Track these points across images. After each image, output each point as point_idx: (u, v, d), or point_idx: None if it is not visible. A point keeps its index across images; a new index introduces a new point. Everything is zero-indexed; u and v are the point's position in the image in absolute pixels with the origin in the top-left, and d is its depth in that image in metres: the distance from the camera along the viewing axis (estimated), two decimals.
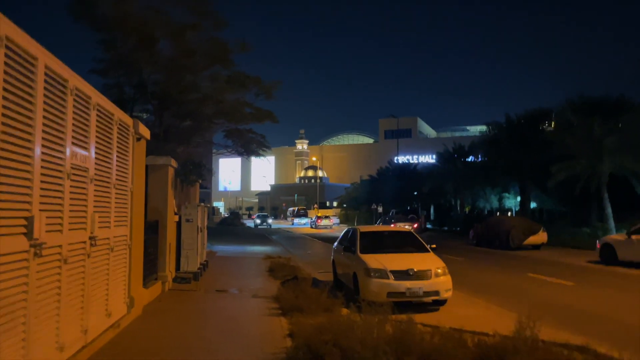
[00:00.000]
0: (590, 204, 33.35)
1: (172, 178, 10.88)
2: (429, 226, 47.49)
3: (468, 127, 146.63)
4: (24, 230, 3.92)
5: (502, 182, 41.74)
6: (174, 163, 10.71)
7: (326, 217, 58.17)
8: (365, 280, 9.07)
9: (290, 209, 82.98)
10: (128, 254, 7.30)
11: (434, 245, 10.36)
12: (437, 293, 8.93)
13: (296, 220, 68.10)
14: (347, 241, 11.04)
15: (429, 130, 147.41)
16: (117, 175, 6.52)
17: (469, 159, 46.58)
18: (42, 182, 4.23)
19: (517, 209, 48.68)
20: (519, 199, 46.60)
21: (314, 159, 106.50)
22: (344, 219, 68.73)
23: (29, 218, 3.96)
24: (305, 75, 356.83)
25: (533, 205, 46.33)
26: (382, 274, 8.97)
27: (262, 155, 13.48)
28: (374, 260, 9.30)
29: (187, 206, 12.08)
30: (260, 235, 37.79)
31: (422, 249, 10.11)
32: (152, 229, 10.08)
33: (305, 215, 70.07)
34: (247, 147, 13.10)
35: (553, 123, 33.35)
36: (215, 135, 13.87)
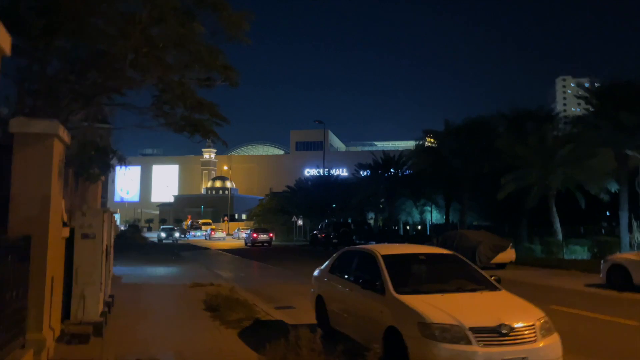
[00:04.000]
0: (520, 219, 32.30)
1: (60, 163, 6.18)
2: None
3: (376, 143, 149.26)
4: None
5: (432, 195, 40.01)
6: (64, 135, 6.03)
7: (220, 229, 67.46)
8: (424, 347, 5.10)
9: (185, 222, 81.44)
10: None
11: (494, 277, 6.64)
12: None
13: (191, 233, 66.98)
14: (358, 271, 6.99)
15: (339, 144, 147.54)
16: None
17: (391, 171, 44.61)
18: None
19: (431, 223, 47.69)
20: (434, 213, 45.50)
21: (225, 167, 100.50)
22: None
23: None
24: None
25: (436, 218, 45.52)
26: (455, 334, 5.06)
27: (214, 139, 8.43)
28: (431, 308, 5.38)
29: (85, 212, 7.33)
30: (170, 252, 32.20)
31: (486, 284, 6.35)
32: (18, 253, 5.35)
33: (199, 228, 71.18)
34: (192, 120, 8.06)
35: (494, 132, 31.74)
36: (133, 97, 8.68)
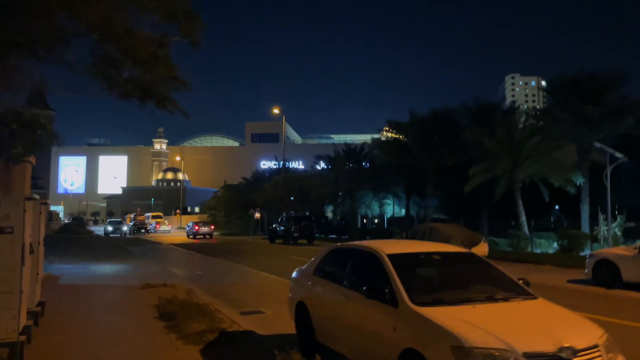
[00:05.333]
0: (480, 212, 32.05)
1: None
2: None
3: (332, 136, 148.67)
4: None
5: (393, 187, 39.32)
6: None
7: (166, 222, 67.37)
8: None
9: (129, 216, 78.93)
10: None
11: (522, 280, 5.42)
12: None
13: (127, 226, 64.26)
14: (355, 274, 5.64)
15: (295, 136, 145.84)
16: None
17: (352, 164, 43.63)
18: None
19: (389, 216, 47.21)
20: (391, 207, 44.88)
21: (177, 158, 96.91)
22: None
23: None
24: None
25: (396, 211, 45.08)
26: None
27: (171, 108, 6.54)
28: (467, 326, 4.08)
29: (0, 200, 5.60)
30: (117, 247, 29.89)
31: (517, 290, 5.11)
32: None
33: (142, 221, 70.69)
34: (143, 83, 6.20)
35: (458, 124, 31.19)
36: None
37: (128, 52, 5.40)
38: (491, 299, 4.79)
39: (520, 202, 25.74)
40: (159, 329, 7.55)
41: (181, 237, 46.35)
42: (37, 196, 6.27)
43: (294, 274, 7.35)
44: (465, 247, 18.52)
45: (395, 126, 33.36)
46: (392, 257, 5.23)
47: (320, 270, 6.47)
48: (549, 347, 3.89)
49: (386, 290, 4.83)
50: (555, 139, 25.31)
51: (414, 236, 21.14)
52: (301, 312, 6.59)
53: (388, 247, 5.63)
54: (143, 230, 53.05)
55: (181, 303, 8.98)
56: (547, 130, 25.96)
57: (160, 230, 63.67)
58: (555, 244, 24.14)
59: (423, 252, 5.67)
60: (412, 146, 30.57)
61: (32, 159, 8.51)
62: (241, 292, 12.52)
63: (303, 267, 7.14)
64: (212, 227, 46.37)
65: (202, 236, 43.25)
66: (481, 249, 18.93)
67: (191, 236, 43.52)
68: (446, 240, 18.84)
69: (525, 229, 25.25)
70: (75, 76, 5.73)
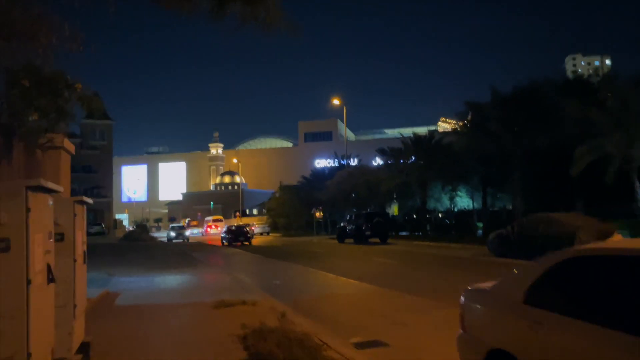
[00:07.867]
0: (573, 200, 28.06)
1: None
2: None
3: (386, 130, 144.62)
4: None
5: (470, 177, 35.73)
6: None
7: (214, 225, 69.84)
8: None
9: (183, 220, 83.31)
10: None
11: None
12: None
13: (189, 231, 63.74)
14: None
15: (348, 133, 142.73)
16: None
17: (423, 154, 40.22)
18: None
19: (457, 210, 43.41)
20: (462, 200, 40.99)
21: (234, 160, 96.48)
22: (273, 227, 60.21)
23: None
24: (217, 74, 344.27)
25: (467, 204, 41.01)
26: None
27: (267, 17, 4.30)
28: None
29: None
30: (180, 253, 28.18)
31: None
32: None
33: (196, 225, 74.94)
34: None
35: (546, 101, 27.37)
36: None
37: None
38: None
39: (637, 183, 21.81)
40: None
41: None
42: (59, 187, 3.80)
43: (463, 298, 4.54)
44: (597, 239, 15.16)
45: (474, 107, 29.81)
46: None
47: (542, 296, 3.60)
48: None
49: None
50: None
51: (522, 229, 17.86)
52: None
53: None
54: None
55: (275, 335, 6.42)
56: None
57: (212, 233, 65.02)
58: None
59: None
60: (496, 129, 26.96)
61: (69, 145, 6.18)
62: (338, 309, 9.86)
63: (486, 287, 4.32)
64: (252, 228, 50.60)
65: None
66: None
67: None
68: (572, 233, 15.46)
69: None
70: None
